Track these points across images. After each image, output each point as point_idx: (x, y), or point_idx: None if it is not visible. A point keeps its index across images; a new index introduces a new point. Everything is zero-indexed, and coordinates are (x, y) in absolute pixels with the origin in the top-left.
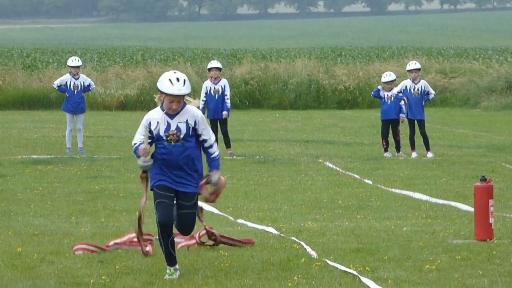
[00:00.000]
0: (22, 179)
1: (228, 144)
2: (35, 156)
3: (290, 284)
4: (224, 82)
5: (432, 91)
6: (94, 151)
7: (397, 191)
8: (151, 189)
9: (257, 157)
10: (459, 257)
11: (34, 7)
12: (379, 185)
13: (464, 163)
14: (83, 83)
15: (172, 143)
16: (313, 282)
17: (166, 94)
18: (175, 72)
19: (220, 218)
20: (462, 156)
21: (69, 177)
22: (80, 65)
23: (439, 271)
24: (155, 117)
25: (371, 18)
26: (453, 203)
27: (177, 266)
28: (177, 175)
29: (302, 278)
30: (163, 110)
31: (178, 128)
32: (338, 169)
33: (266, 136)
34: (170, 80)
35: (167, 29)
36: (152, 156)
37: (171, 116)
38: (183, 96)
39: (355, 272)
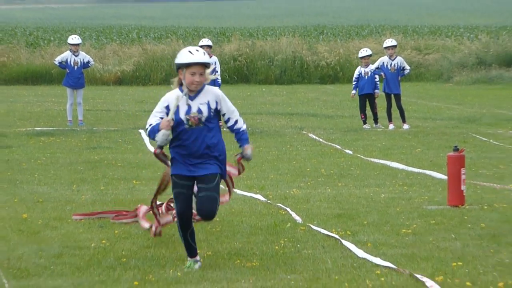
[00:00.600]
0: (26, 149)
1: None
2: (38, 128)
3: (277, 247)
4: (214, 59)
5: (407, 67)
6: (93, 124)
7: (376, 160)
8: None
9: None
10: (433, 221)
11: None
12: (358, 155)
13: (438, 134)
14: (83, 59)
15: (194, 127)
16: (298, 245)
17: (188, 66)
18: (193, 47)
19: None
20: (436, 127)
21: (71, 148)
22: (80, 43)
23: (415, 234)
24: (174, 98)
25: None
26: (427, 172)
27: (197, 258)
28: (196, 162)
29: (288, 242)
30: (182, 92)
31: (199, 110)
32: (320, 140)
33: (253, 109)
34: (189, 51)
35: (160, 8)
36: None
37: (192, 97)
38: (204, 66)
39: (337, 236)
